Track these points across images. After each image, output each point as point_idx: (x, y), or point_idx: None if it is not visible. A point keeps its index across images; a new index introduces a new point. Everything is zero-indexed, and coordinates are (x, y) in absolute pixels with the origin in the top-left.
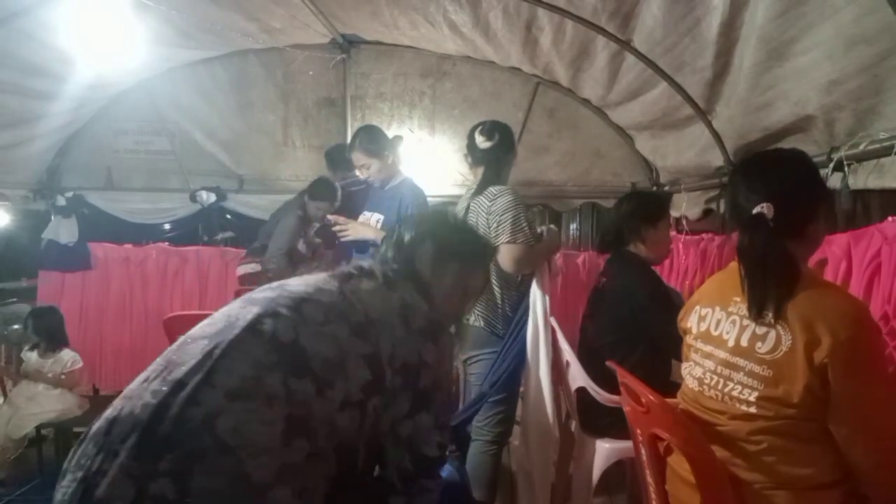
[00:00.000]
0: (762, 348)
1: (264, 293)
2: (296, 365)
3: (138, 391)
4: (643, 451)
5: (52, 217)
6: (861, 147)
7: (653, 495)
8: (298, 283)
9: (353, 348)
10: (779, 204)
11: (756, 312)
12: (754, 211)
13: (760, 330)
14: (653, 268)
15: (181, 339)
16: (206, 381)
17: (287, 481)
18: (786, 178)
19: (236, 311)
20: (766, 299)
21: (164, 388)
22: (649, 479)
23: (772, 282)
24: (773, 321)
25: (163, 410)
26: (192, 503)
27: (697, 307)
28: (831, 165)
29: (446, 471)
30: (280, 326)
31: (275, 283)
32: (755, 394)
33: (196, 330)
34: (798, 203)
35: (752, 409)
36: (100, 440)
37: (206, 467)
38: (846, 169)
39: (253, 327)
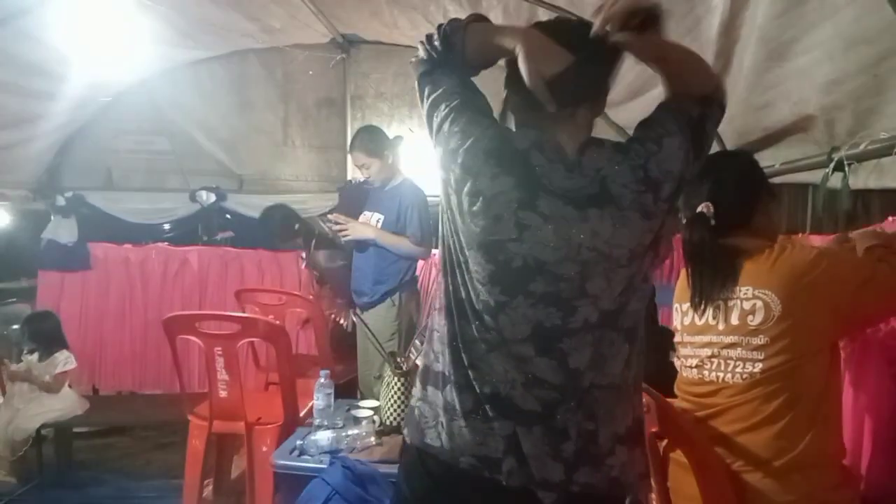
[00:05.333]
0: (754, 320)
1: None
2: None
3: None
4: None
5: (52, 217)
6: (861, 147)
7: (653, 495)
8: None
9: None
10: (718, 203)
11: (699, 300)
12: (697, 210)
13: (747, 304)
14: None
15: None
16: None
17: None
18: (723, 179)
19: None
20: (704, 288)
21: None
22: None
23: (708, 272)
24: (753, 294)
25: None
26: None
27: (677, 305)
28: (832, 165)
29: None
30: None
31: None
32: (760, 365)
33: None
34: (735, 201)
35: (757, 376)
36: None
37: None
38: (846, 169)
39: None
